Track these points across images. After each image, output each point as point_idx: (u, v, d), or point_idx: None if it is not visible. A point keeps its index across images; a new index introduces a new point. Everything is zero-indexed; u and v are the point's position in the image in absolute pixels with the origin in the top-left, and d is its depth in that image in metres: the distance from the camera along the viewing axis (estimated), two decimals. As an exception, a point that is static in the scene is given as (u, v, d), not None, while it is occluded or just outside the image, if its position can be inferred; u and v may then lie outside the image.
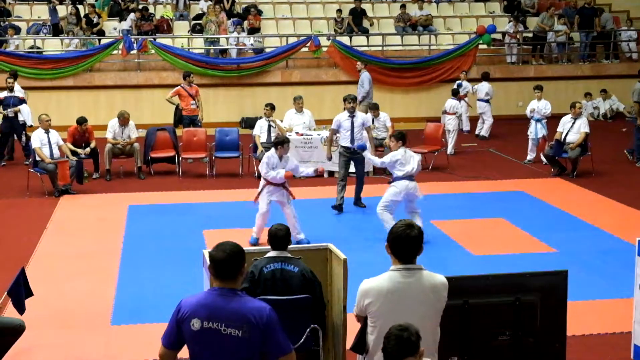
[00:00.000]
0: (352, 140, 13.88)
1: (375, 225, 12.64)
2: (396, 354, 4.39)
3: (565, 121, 16.80)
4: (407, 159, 12.02)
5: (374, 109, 16.86)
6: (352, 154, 13.95)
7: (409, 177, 12.02)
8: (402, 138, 12.15)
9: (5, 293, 7.99)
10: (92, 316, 9.40)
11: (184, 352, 5.00)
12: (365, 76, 20.55)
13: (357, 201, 14.38)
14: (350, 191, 14.25)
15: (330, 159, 14.86)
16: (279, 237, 7.16)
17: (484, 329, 7.07)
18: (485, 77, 21.71)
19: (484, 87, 21.43)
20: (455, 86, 21.23)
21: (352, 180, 14.35)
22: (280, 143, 12.14)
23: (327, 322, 7.52)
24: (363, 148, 12.94)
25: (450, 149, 19.15)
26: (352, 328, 6.59)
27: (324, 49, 23.56)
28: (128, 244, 12.24)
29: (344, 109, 14.15)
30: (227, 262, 4.84)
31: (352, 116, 13.94)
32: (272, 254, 7.16)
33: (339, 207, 14.05)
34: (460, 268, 10.17)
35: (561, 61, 25.82)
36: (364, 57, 23.49)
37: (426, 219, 12.40)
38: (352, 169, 14.30)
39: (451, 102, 19.85)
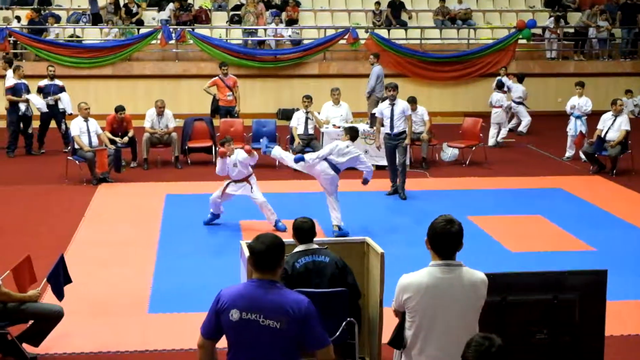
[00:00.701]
0: (392, 128, 14.06)
1: (414, 218, 12.66)
2: None
3: (606, 118, 16.62)
4: (345, 153, 12.10)
5: (412, 102, 16.79)
6: (393, 141, 14.13)
7: (335, 167, 12.09)
8: (351, 133, 12.42)
9: (45, 279, 8.05)
10: (129, 304, 9.45)
11: (222, 342, 5.01)
12: (374, 70, 20.28)
13: (399, 191, 14.44)
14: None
15: (379, 148, 14.86)
16: (305, 230, 7.15)
17: (521, 327, 7.02)
18: (521, 79, 21.46)
19: (518, 89, 21.22)
20: (495, 83, 21.22)
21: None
22: (222, 143, 12.59)
23: (363, 316, 7.52)
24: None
25: (500, 138, 19.45)
26: (388, 322, 6.58)
27: (362, 41, 23.50)
28: (165, 233, 12.30)
29: (384, 97, 14.28)
30: (267, 254, 4.83)
31: (392, 104, 14.08)
32: (300, 248, 7.15)
33: (394, 192, 14.42)
34: (498, 265, 10.11)
35: (602, 57, 25.56)
36: (402, 50, 23.48)
37: (463, 214, 12.32)
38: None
39: (496, 95, 19.77)
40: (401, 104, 14.27)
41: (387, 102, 14.26)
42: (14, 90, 17.66)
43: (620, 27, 25.66)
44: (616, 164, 16.45)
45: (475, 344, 4.28)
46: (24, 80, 17.93)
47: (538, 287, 7.09)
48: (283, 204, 12.98)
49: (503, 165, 17.37)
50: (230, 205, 12.77)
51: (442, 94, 23.97)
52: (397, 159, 14.29)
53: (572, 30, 25.67)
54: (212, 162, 17.05)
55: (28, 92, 17.85)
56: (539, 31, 25.27)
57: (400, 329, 5.47)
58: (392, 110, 14.13)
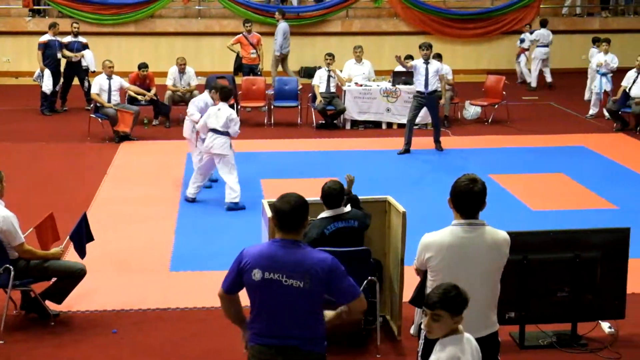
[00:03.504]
0: (427, 86, 14.28)
1: (436, 177, 12.64)
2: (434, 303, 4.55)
3: (630, 75, 16.46)
4: (218, 115, 11.31)
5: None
6: (425, 99, 14.34)
7: (216, 130, 11.30)
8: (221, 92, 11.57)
9: (67, 237, 8.10)
10: (151, 262, 9.52)
11: (245, 300, 5.03)
12: (280, 27, 20.07)
13: (436, 144, 14.76)
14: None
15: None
16: (334, 195, 7.00)
17: (542, 285, 7.05)
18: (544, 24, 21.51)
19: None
20: (518, 42, 21.26)
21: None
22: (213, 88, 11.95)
23: (384, 275, 7.53)
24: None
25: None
26: (409, 281, 6.58)
27: (385, -2, 23.32)
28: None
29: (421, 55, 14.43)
30: (291, 213, 4.82)
31: (426, 63, 14.28)
32: (328, 213, 7.03)
33: (405, 152, 14.50)
34: (519, 223, 10.06)
35: (627, 14, 25.23)
36: (425, 7, 23.28)
37: (485, 172, 12.25)
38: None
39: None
40: (435, 64, 14.46)
41: (421, 59, 14.29)
42: (47, 46, 17.67)
43: (646, -18, 25.30)
44: (640, 121, 16.31)
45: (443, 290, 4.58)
46: (57, 38, 17.93)
47: (560, 245, 7.10)
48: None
49: (525, 123, 17.23)
50: (251, 164, 12.74)
51: (465, 52, 23.75)
52: (432, 117, 14.82)
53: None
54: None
55: (61, 49, 17.88)
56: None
57: (421, 288, 5.48)
58: (426, 69, 14.23)
